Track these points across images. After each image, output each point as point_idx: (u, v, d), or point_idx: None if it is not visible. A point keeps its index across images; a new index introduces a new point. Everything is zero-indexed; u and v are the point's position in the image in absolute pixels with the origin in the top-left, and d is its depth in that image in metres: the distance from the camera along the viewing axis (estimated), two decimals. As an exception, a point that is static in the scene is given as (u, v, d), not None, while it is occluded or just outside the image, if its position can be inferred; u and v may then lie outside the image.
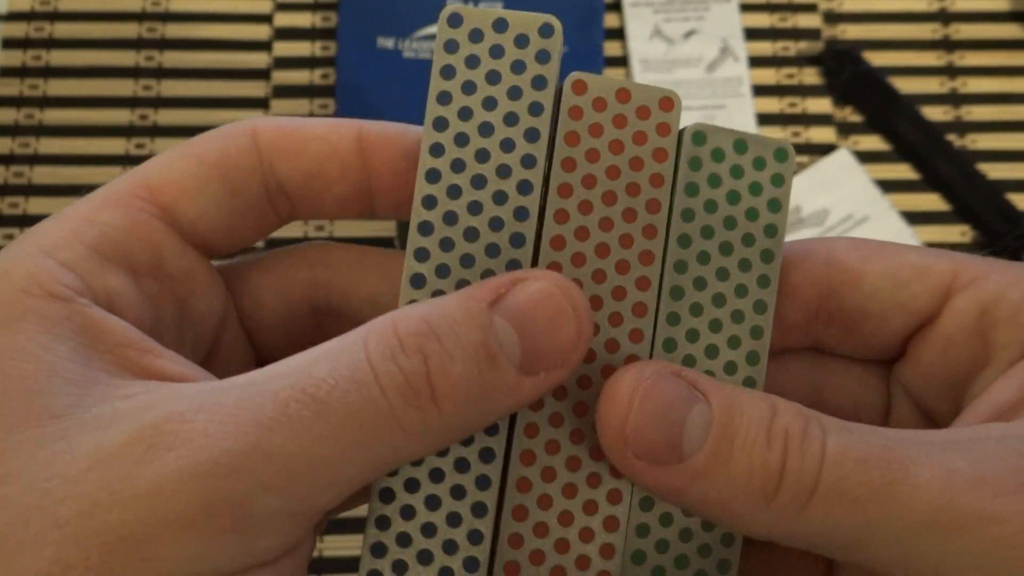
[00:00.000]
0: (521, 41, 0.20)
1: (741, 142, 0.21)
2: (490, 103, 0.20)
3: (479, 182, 0.20)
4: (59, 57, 0.55)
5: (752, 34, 0.57)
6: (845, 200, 0.54)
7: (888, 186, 0.54)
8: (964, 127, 0.56)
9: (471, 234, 0.20)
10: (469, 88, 0.20)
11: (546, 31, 0.20)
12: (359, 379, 0.17)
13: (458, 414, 0.18)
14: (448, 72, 0.20)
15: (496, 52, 0.20)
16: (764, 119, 0.55)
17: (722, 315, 0.20)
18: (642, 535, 0.20)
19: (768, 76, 0.56)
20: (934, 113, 0.56)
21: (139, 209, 0.20)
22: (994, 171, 0.55)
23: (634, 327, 0.20)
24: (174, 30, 0.56)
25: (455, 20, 0.20)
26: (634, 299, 0.20)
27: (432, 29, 0.55)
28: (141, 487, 0.16)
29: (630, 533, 0.20)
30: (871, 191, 0.54)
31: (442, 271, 0.19)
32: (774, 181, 0.21)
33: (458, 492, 0.19)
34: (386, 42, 0.55)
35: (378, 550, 0.19)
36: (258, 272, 0.23)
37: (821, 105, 0.56)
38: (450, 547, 0.19)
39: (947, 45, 0.57)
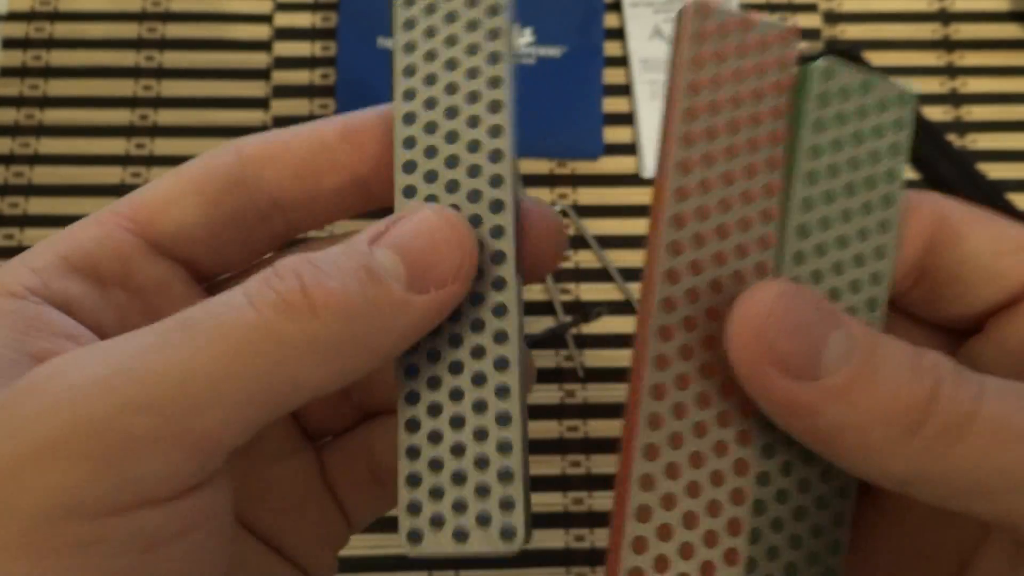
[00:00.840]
0: (471, 2, 0.21)
1: (867, 82, 0.20)
2: (451, 64, 0.21)
3: (452, 137, 0.21)
4: (59, 57, 0.55)
5: (752, 34, 0.57)
6: (845, 200, 0.54)
7: (888, 186, 0.54)
8: (964, 127, 0.56)
9: (452, 187, 0.20)
10: (430, 56, 0.21)
11: None
12: (232, 303, 0.17)
13: (342, 325, 0.17)
14: (409, 48, 0.21)
15: (450, 18, 0.21)
16: (764, 119, 0.55)
17: (845, 258, 0.20)
18: (763, 483, 0.19)
19: (768, 76, 0.56)
20: (934, 113, 0.56)
21: (114, 225, 0.21)
22: (994, 171, 0.54)
23: (760, 260, 0.19)
24: (174, 30, 0.56)
25: (408, 0, 0.21)
26: (760, 231, 0.19)
27: (432, 29, 0.55)
28: (15, 424, 0.16)
29: (751, 482, 0.19)
30: (871, 191, 0.54)
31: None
32: (895, 125, 0.20)
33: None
34: (386, 42, 0.55)
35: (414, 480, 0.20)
36: (238, 279, 0.23)
37: (821, 105, 0.56)
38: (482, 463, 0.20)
39: (947, 45, 0.57)
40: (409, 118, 0.21)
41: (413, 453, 0.20)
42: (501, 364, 0.20)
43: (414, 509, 0.19)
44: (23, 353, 0.18)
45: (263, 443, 0.23)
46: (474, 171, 0.20)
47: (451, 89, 0.21)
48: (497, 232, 0.20)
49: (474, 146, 0.21)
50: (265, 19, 0.57)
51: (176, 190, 0.21)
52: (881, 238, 0.20)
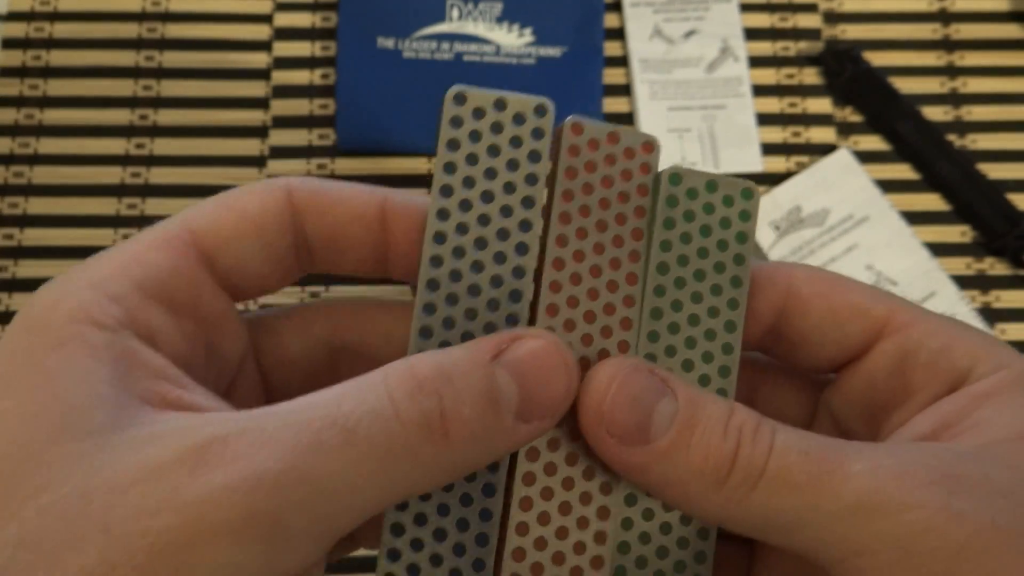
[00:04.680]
0: (518, 120, 0.22)
1: (712, 183, 0.23)
2: (491, 173, 0.22)
3: (481, 244, 0.22)
4: (59, 57, 0.55)
5: (752, 34, 0.57)
6: (845, 200, 0.54)
7: (888, 186, 0.54)
8: (964, 127, 0.56)
9: (474, 290, 0.22)
10: (472, 160, 0.22)
11: (540, 112, 0.22)
12: (383, 414, 0.19)
13: (465, 451, 0.19)
14: (453, 145, 0.22)
15: (496, 128, 0.22)
16: (764, 119, 0.55)
17: (696, 333, 0.23)
18: (627, 528, 0.22)
19: (768, 76, 0.56)
20: (934, 113, 0.56)
21: (183, 253, 0.22)
22: (994, 171, 0.55)
23: (622, 339, 0.23)
24: (174, 30, 0.56)
25: (459, 99, 0.22)
26: (622, 314, 0.23)
27: (432, 29, 0.55)
28: (189, 497, 0.17)
29: (616, 526, 0.22)
30: (871, 191, 0.54)
31: (447, 324, 0.22)
32: (741, 216, 0.23)
33: (463, 524, 0.21)
34: (386, 42, 0.55)
35: None
36: (282, 318, 0.25)
37: (821, 105, 0.56)
38: (455, 575, 0.21)
39: (947, 45, 0.57)
40: (443, 214, 0.22)
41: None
42: (488, 491, 0.22)
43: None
44: (127, 393, 0.19)
45: None
46: (496, 281, 0.22)
47: (487, 197, 0.22)
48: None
49: (500, 257, 0.22)
50: (265, 19, 0.57)
51: (239, 227, 0.22)
52: (731, 314, 0.23)
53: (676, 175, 0.23)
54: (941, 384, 0.22)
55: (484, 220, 0.22)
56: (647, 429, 0.20)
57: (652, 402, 0.21)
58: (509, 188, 0.22)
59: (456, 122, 0.22)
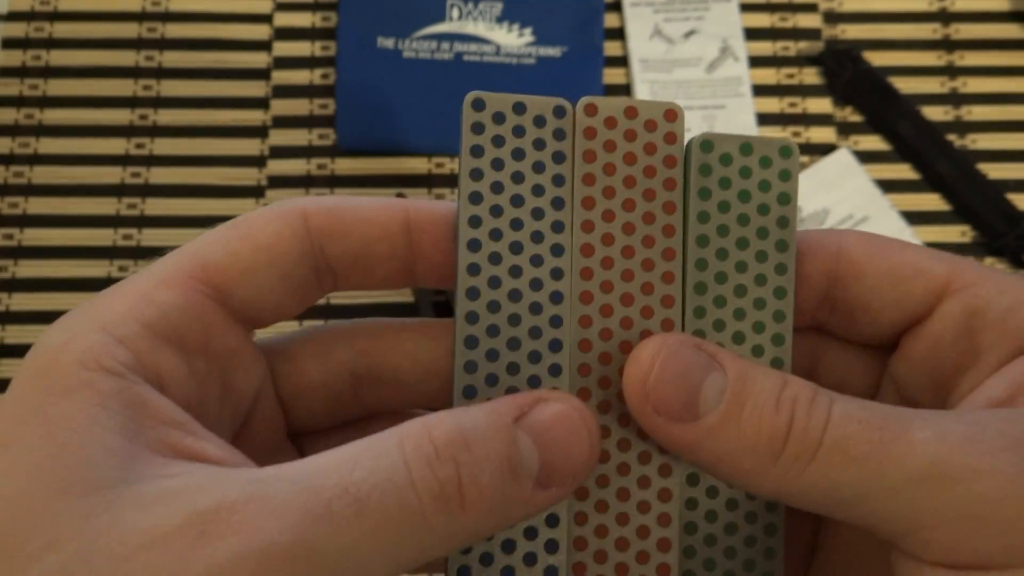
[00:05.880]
0: (539, 121, 0.22)
1: (747, 145, 0.22)
2: (518, 176, 0.22)
3: (516, 248, 0.22)
4: (59, 57, 0.55)
5: (752, 34, 0.57)
6: (845, 200, 0.54)
7: (888, 186, 0.54)
8: (964, 127, 0.56)
9: (515, 295, 0.22)
10: (498, 164, 0.22)
11: (560, 112, 0.22)
12: (396, 482, 0.18)
13: (480, 520, 0.19)
14: (477, 151, 0.22)
15: (518, 131, 0.22)
16: (764, 119, 0.55)
17: (744, 304, 0.22)
18: (691, 508, 0.22)
19: (768, 76, 0.56)
20: (934, 113, 0.56)
21: (194, 289, 0.21)
22: (994, 171, 0.55)
23: (665, 317, 0.22)
24: (174, 30, 0.56)
25: (479, 104, 0.22)
26: (662, 292, 0.22)
27: (432, 29, 0.55)
28: (194, 571, 0.17)
29: (680, 507, 0.22)
30: (871, 191, 0.54)
31: (492, 331, 0.22)
32: (781, 176, 0.22)
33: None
34: (386, 42, 0.55)
35: None
36: (301, 343, 0.24)
37: (821, 105, 0.56)
38: None
39: (947, 45, 0.57)
40: (474, 221, 0.22)
41: (464, 573, 0.21)
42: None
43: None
44: (136, 443, 0.18)
45: (252, 443, 0.24)
46: (536, 283, 0.22)
47: (517, 200, 0.22)
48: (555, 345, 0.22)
49: (537, 260, 0.22)
50: (265, 19, 0.57)
51: (254, 259, 0.22)
52: (780, 280, 0.22)
53: (707, 142, 0.22)
54: (1012, 343, 0.21)
55: (517, 224, 0.22)
56: (695, 405, 0.20)
57: (700, 378, 0.20)
58: (538, 190, 0.22)
59: (478, 128, 0.22)
